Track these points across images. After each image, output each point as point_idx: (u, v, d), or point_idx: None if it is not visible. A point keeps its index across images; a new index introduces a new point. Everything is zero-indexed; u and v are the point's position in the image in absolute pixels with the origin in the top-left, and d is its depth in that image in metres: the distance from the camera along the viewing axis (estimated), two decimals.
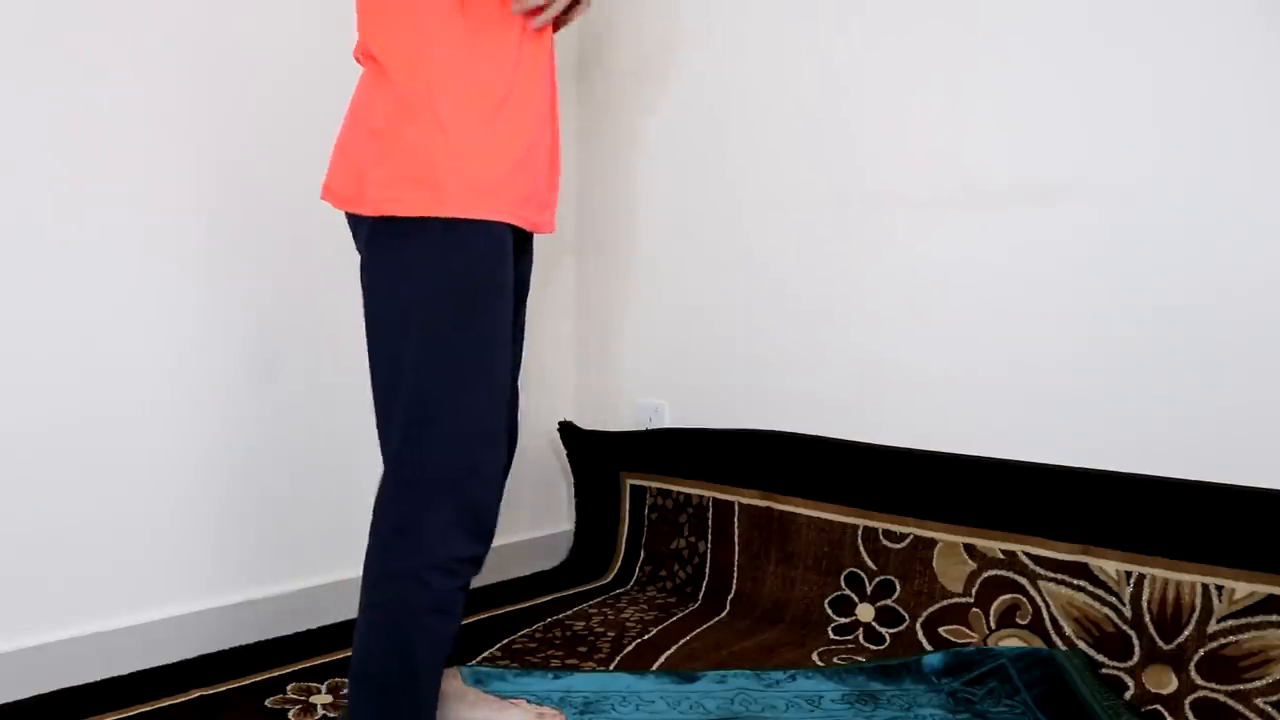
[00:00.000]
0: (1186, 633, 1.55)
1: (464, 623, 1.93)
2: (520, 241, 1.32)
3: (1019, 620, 1.72)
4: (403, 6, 1.19)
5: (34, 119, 1.59)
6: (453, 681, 1.49)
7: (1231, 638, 1.51)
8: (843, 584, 1.94)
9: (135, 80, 1.68)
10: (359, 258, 1.25)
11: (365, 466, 1.24)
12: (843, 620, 1.91)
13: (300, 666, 1.73)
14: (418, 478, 1.19)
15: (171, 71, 1.73)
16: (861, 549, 1.93)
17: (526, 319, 1.45)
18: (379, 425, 1.24)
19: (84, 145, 1.64)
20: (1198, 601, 1.55)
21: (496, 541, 2.40)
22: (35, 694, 1.60)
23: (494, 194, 1.20)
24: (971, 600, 1.78)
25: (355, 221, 1.25)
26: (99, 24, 1.64)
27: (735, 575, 2.08)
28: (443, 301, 1.18)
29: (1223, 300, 1.57)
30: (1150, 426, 1.64)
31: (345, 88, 1.31)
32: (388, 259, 1.20)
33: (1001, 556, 1.76)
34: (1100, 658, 1.62)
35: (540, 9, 1.25)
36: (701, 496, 2.18)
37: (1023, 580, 1.73)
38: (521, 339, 1.45)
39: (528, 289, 1.43)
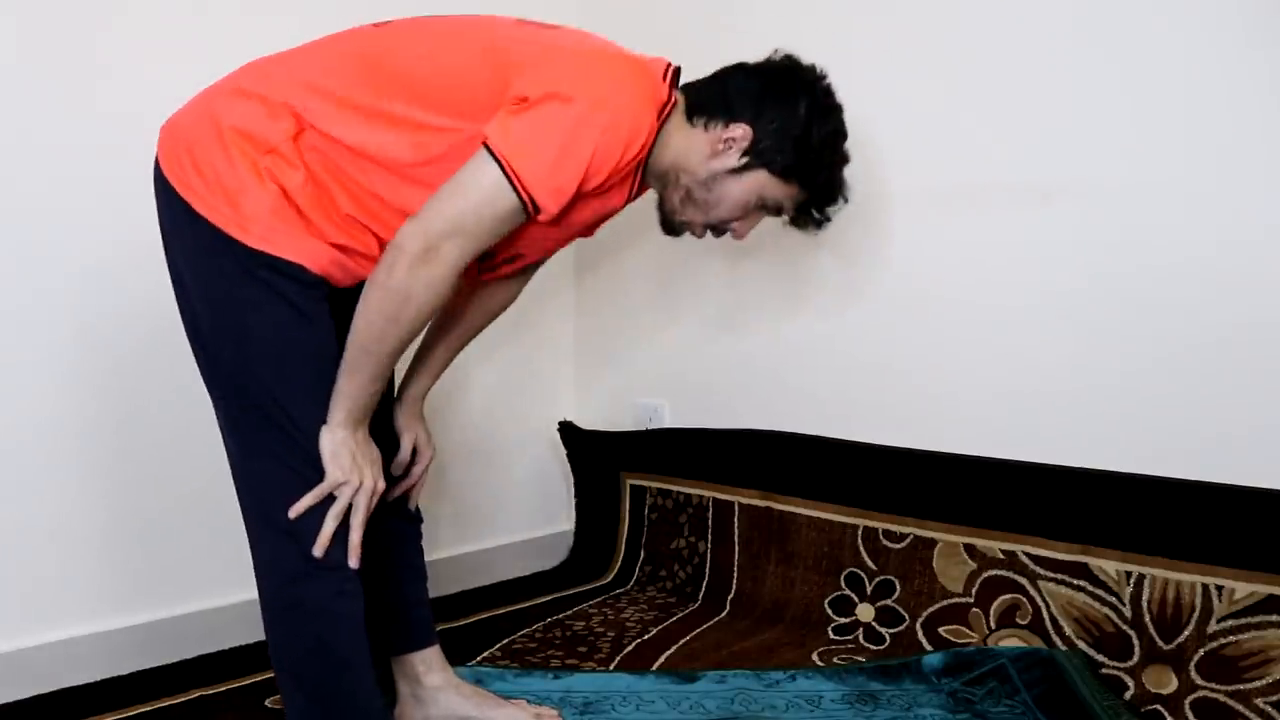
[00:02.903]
0: (1186, 633, 1.55)
1: (464, 623, 1.94)
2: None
3: (1019, 620, 1.72)
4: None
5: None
6: (444, 673, 1.48)
7: (1231, 638, 1.51)
8: (843, 584, 1.94)
9: (127, 78, 1.69)
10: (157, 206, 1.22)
11: None
12: (843, 620, 1.91)
13: None
14: (242, 504, 1.23)
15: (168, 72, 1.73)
16: (861, 549, 1.93)
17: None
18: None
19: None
20: (1198, 601, 1.55)
21: (496, 542, 2.40)
22: (35, 694, 1.60)
23: (302, 239, 1.17)
24: (971, 600, 1.78)
25: (163, 182, 1.20)
26: (99, 24, 1.65)
27: (735, 575, 2.08)
28: (248, 330, 1.16)
29: (1222, 300, 1.57)
30: (1150, 426, 1.64)
31: None
32: (200, 263, 1.18)
33: (1001, 556, 1.76)
34: (1100, 658, 1.62)
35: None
36: (701, 496, 2.18)
37: (1023, 580, 1.73)
38: None
39: None
